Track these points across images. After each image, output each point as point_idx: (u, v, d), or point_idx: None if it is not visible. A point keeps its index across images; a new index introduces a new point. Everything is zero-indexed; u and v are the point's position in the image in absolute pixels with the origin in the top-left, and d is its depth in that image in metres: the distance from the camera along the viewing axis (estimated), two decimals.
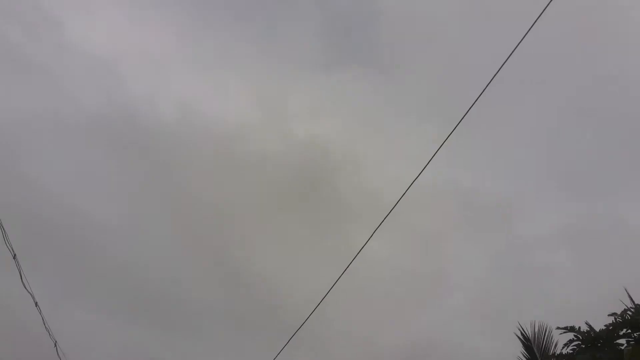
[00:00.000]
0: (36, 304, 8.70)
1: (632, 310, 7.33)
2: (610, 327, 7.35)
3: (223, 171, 23.69)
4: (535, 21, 5.82)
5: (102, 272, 16.94)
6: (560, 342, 9.27)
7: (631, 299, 7.59)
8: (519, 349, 9.74)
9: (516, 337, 9.81)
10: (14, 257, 8.10)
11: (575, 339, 7.70)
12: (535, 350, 8.75)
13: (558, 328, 7.88)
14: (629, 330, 7.21)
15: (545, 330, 8.96)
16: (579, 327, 7.72)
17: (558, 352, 8.25)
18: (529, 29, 5.89)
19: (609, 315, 7.45)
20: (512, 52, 5.84)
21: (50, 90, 20.55)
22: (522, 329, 9.58)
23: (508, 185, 22.16)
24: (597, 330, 7.57)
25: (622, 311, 7.35)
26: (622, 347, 7.31)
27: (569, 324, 7.71)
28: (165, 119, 23.01)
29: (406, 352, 17.18)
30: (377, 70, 25.74)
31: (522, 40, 5.86)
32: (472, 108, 6.56)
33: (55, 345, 9.81)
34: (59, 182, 17.51)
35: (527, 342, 9.43)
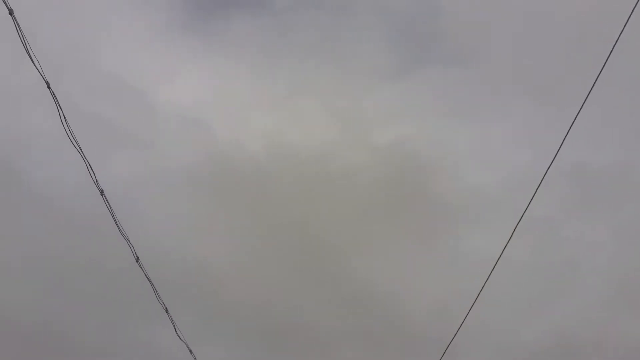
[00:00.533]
0: (190, 351, 9.30)
1: None
2: None
3: (317, 195, 24.11)
4: None
5: (234, 313, 17.81)
6: None
7: None
8: None
9: None
10: (166, 311, 8.72)
11: None
12: None
13: None
14: None
15: None
16: None
17: None
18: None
19: None
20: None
21: (148, 154, 22.09)
22: None
23: (625, 151, 20.32)
24: None
25: None
26: None
27: None
28: (255, 157, 23.93)
29: (549, 352, 16.16)
30: (451, 63, 25.08)
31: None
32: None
33: None
34: (175, 236, 18.78)
35: None
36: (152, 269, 9.34)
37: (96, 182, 7.38)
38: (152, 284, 8.36)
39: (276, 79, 25.62)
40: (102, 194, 7.51)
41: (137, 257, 8.10)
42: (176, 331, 8.87)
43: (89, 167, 7.23)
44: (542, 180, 6.23)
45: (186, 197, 21.43)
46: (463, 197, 22.56)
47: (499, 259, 6.83)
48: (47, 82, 6.47)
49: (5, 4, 5.96)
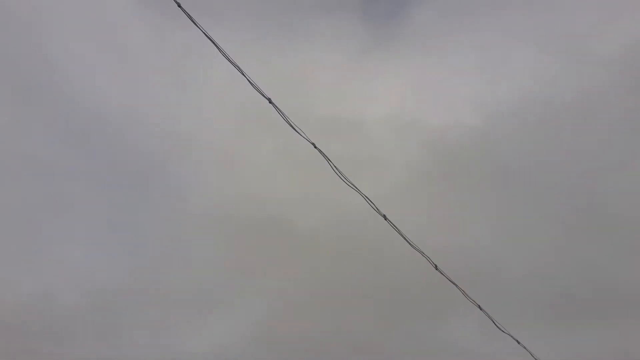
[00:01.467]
0: (518, 342, 9.22)
1: None
2: None
3: (555, 138, 22.08)
4: None
5: (535, 293, 17.38)
6: None
7: None
8: None
9: None
10: (480, 307, 8.84)
11: None
12: None
13: None
14: None
15: None
16: None
17: None
18: None
19: None
20: None
21: (382, 169, 23.16)
22: None
23: None
24: None
25: None
26: None
27: None
28: (475, 127, 23.14)
29: None
30: None
31: None
32: None
33: None
34: (444, 232, 19.29)
35: None
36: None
37: (377, 210, 8.00)
38: (457, 286, 8.58)
39: (467, 49, 24.62)
40: (385, 219, 8.09)
41: (436, 266, 8.41)
42: (496, 325, 8.91)
43: (367, 199, 7.90)
44: None
45: (428, 191, 21.80)
46: None
47: None
48: (313, 144, 7.36)
49: (263, 94, 7.03)
